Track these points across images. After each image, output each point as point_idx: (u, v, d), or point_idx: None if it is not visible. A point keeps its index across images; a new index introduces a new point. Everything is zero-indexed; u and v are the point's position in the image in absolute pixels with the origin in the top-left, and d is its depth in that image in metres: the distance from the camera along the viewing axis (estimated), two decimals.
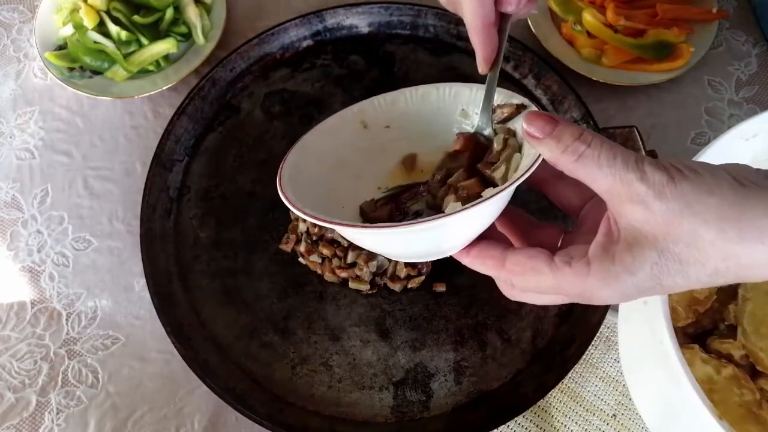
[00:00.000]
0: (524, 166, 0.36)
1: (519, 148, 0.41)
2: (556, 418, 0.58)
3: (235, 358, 0.59)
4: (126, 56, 0.69)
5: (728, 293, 0.52)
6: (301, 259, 0.62)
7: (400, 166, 0.47)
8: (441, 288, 0.61)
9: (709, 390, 0.47)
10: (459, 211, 0.33)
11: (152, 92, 0.68)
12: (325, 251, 0.60)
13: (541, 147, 0.33)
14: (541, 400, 0.56)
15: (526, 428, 0.58)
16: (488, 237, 0.37)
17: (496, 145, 0.41)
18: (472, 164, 0.42)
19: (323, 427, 0.57)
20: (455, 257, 0.38)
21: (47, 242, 0.66)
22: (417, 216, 0.43)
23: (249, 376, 0.59)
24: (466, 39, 0.42)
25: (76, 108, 0.72)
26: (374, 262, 0.60)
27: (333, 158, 0.45)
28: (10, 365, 0.61)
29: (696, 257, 0.29)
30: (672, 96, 0.71)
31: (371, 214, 0.44)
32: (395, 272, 0.61)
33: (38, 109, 0.72)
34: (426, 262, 0.61)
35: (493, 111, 0.43)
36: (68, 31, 0.69)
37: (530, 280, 0.34)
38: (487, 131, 0.43)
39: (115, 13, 0.69)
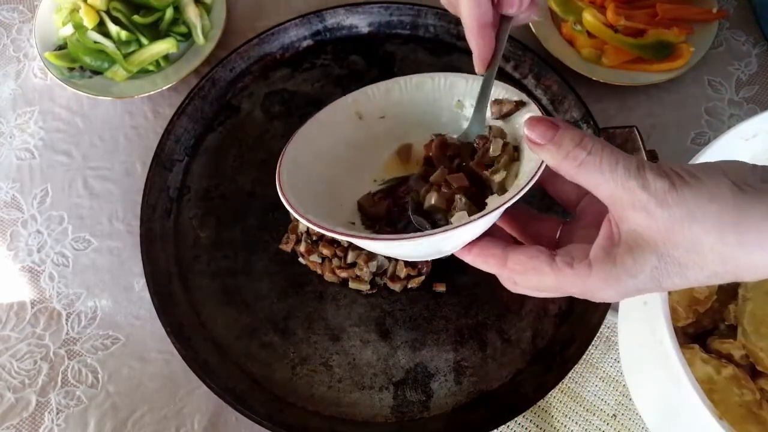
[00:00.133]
0: (527, 172, 0.36)
1: (517, 152, 0.40)
2: (556, 418, 0.58)
3: (235, 358, 0.59)
4: (126, 56, 0.69)
5: (728, 293, 0.52)
6: (301, 259, 0.62)
7: (395, 156, 0.47)
8: (441, 288, 0.61)
9: (709, 390, 0.47)
10: (467, 223, 0.34)
11: (152, 92, 0.68)
12: (325, 251, 0.60)
13: (542, 153, 0.33)
14: (541, 400, 0.56)
15: (526, 428, 0.58)
16: (488, 231, 0.38)
17: (493, 149, 0.41)
18: (460, 164, 0.42)
19: (323, 427, 0.57)
20: (456, 255, 0.38)
21: (47, 242, 0.66)
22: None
23: (249, 376, 0.59)
24: (466, 39, 0.42)
25: (76, 108, 0.72)
26: (374, 262, 0.60)
27: (329, 152, 0.45)
28: (10, 365, 0.61)
29: (695, 261, 0.29)
30: (672, 96, 0.71)
31: (369, 210, 0.44)
32: (395, 272, 0.61)
33: (38, 109, 0.72)
34: (426, 262, 0.61)
35: (493, 105, 0.42)
36: (68, 31, 0.69)
37: (532, 279, 0.34)
38: (481, 131, 0.43)
39: (115, 13, 0.69)
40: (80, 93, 0.68)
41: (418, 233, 0.35)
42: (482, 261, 0.36)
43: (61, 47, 0.70)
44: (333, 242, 0.61)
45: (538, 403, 0.57)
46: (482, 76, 0.43)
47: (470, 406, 0.58)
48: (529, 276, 0.34)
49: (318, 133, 0.45)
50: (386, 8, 0.70)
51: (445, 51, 0.70)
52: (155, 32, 0.70)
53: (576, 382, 0.59)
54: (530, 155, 0.37)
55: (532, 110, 0.41)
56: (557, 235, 0.39)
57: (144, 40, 0.69)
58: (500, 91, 0.43)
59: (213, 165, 0.67)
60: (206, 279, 0.62)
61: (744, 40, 0.74)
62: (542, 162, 0.35)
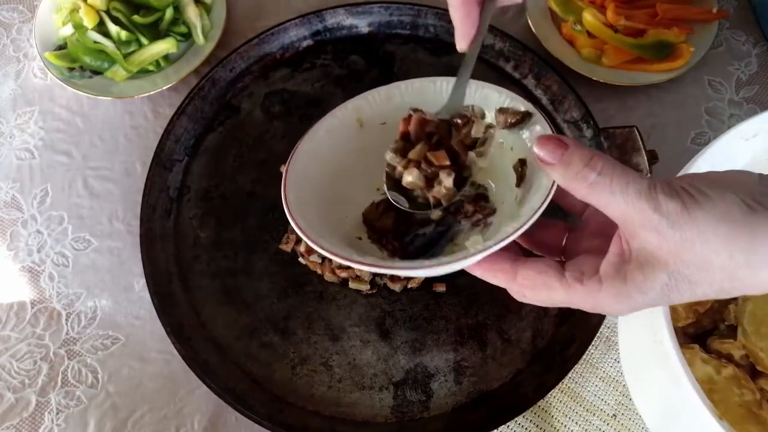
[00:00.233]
0: (541, 189, 0.36)
1: (524, 166, 0.40)
2: (556, 418, 0.58)
3: (235, 358, 0.59)
4: (126, 56, 0.69)
5: None
6: (301, 259, 0.62)
7: None
8: (441, 288, 0.61)
9: (709, 390, 0.47)
10: (483, 250, 0.34)
11: (152, 92, 0.68)
12: None
13: (552, 172, 0.33)
14: (541, 400, 0.56)
15: (526, 428, 0.57)
16: None
17: (476, 130, 0.40)
18: (438, 141, 0.41)
19: (323, 427, 0.57)
20: (466, 270, 0.38)
21: (47, 242, 0.66)
22: (422, 224, 0.43)
23: (249, 376, 0.59)
24: (450, 15, 0.42)
25: (76, 108, 0.72)
26: None
27: (331, 163, 0.45)
28: (9, 365, 0.61)
29: (704, 278, 0.30)
30: (672, 96, 0.71)
31: (376, 224, 0.43)
32: None
33: (38, 109, 0.72)
34: None
35: (498, 114, 0.42)
36: (68, 30, 0.69)
37: (541, 294, 0.35)
38: (459, 110, 0.42)
39: (115, 13, 0.69)
40: (80, 93, 0.68)
41: (437, 261, 0.34)
42: (491, 276, 0.36)
43: (61, 47, 0.70)
44: None
45: (538, 403, 0.57)
46: (482, 82, 0.42)
47: (470, 406, 0.58)
48: (539, 291, 0.34)
49: (319, 144, 0.44)
50: (386, 8, 0.70)
51: (445, 51, 0.70)
52: (155, 32, 0.70)
53: (576, 382, 0.59)
54: (543, 179, 0.37)
55: (539, 122, 0.40)
56: (563, 242, 0.39)
57: (144, 40, 0.69)
58: (505, 98, 0.42)
59: (213, 165, 0.67)
60: (206, 279, 0.62)
61: (744, 40, 0.74)
62: (553, 182, 0.34)
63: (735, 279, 0.30)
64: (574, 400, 0.58)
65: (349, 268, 0.60)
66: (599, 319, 0.57)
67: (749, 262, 0.29)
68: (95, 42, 0.68)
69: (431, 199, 0.41)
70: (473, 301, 0.61)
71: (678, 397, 0.41)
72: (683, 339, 0.52)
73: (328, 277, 0.61)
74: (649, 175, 0.54)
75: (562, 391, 0.58)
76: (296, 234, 0.62)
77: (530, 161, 0.40)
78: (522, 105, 0.41)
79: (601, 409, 0.58)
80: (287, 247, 0.62)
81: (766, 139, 0.47)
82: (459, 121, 0.42)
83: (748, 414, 0.47)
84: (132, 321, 0.63)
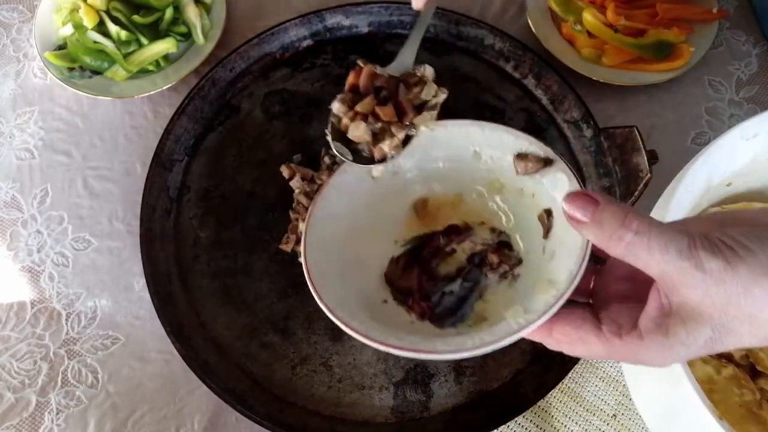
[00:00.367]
0: (576, 250, 0.35)
1: (550, 216, 0.39)
2: (556, 418, 0.58)
3: (235, 358, 0.59)
4: (126, 56, 0.69)
5: None
6: (301, 259, 0.62)
7: (411, 213, 0.46)
8: None
9: (709, 390, 0.47)
10: (526, 326, 0.33)
11: (152, 92, 0.68)
12: None
13: (584, 231, 0.33)
14: (541, 400, 0.56)
15: (526, 428, 0.57)
16: None
17: (426, 92, 0.39)
18: (386, 97, 0.41)
19: (323, 427, 0.57)
20: None
21: (47, 242, 0.66)
22: (447, 280, 0.42)
23: (249, 376, 0.59)
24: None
25: (76, 108, 0.72)
26: None
27: (347, 222, 0.44)
28: (9, 365, 0.61)
29: (749, 330, 0.30)
30: (672, 96, 0.71)
31: (398, 283, 0.42)
32: None
33: (38, 109, 0.72)
34: None
35: (517, 161, 0.40)
36: (68, 30, 0.69)
37: (578, 349, 0.34)
38: (410, 68, 0.41)
39: (114, 13, 0.69)
40: (80, 93, 0.68)
41: (481, 341, 0.34)
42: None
43: (61, 47, 0.70)
44: None
45: (538, 403, 0.56)
46: (496, 125, 0.41)
47: (470, 406, 0.57)
48: (576, 346, 0.34)
49: (334, 205, 0.44)
50: (386, 8, 0.70)
51: (445, 51, 0.70)
52: (155, 32, 0.70)
53: (576, 382, 0.59)
54: (573, 240, 0.36)
55: (561, 169, 0.39)
56: (591, 285, 0.38)
57: (144, 40, 0.69)
58: (523, 143, 0.40)
59: (213, 165, 0.67)
60: (206, 279, 0.62)
61: (744, 40, 0.74)
62: (587, 242, 0.34)
63: None
64: (574, 400, 0.58)
65: None
66: None
67: None
68: (95, 42, 0.68)
69: (376, 154, 0.40)
70: None
71: (678, 397, 0.41)
72: None
73: None
74: (649, 175, 0.54)
75: (562, 391, 0.58)
76: (296, 234, 0.62)
77: (556, 212, 0.39)
78: (542, 151, 0.40)
79: (601, 409, 0.58)
80: (287, 247, 0.62)
81: (766, 139, 0.47)
82: (409, 78, 0.41)
83: (748, 414, 0.47)
84: (132, 321, 0.63)
